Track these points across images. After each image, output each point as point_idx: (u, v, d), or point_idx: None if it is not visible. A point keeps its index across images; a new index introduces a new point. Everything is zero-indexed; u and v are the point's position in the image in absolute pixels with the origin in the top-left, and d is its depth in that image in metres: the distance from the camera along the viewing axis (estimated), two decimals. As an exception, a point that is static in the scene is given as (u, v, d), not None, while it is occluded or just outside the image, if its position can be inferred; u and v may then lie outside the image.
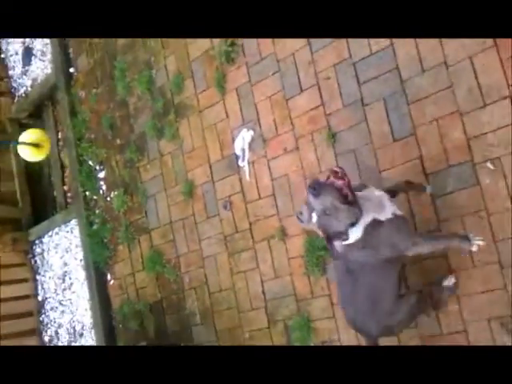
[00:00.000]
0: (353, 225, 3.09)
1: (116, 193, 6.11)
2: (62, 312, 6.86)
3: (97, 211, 6.35)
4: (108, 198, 6.24)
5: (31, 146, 5.97)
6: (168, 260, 5.54)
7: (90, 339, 6.47)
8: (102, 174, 6.33)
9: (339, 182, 3.02)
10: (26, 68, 7.52)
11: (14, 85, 7.69)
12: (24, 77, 7.56)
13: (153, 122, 5.65)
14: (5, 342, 6.44)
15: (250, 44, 4.84)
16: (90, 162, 6.44)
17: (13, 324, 6.78)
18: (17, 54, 7.72)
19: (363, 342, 3.77)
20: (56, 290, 6.94)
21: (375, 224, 3.17)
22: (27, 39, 7.50)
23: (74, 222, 6.72)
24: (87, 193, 6.46)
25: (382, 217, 3.20)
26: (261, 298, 4.78)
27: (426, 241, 3.40)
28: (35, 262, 7.25)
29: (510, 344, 3.49)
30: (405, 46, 3.92)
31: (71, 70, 6.78)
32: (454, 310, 3.71)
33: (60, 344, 6.87)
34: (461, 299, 3.68)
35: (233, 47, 4.95)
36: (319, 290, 4.41)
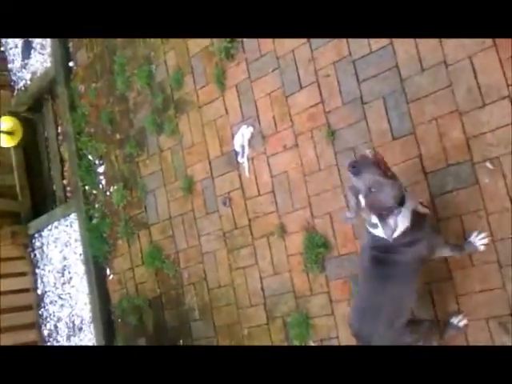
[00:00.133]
0: (401, 204, 3.07)
1: (115, 187, 6.11)
2: (62, 306, 6.87)
3: (96, 205, 6.36)
4: (107, 193, 6.24)
5: (5, 133, 6.44)
6: (167, 255, 5.55)
7: (88, 333, 6.49)
8: (101, 169, 6.33)
9: (375, 157, 3.06)
10: (26, 61, 7.51)
11: (14, 78, 7.68)
12: (23, 70, 7.55)
13: (152, 118, 5.65)
14: (4, 336, 6.45)
15: (249, 41, 4.83)
16: (90, 157, 6.44)
17: (12, 317, 6.77)
18: (16, 47, 7.70)
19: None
20: (55, 283, 6.95)
21: (417, 215, 3.19)
22: (27, 32, 7.47)
23: (73, 216, 6.72)
24: (87, 187, 6.46)
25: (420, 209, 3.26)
26: (260, 295, 4.78)
27: (448, 243, 3.46)
28: (34, 255, 7.26)
29: (508, 343, 3.50)
30: (404, 45, 3.91)
31: (71, 63, 6.77)
32: (453, 310, 3.71)
33: (59, 338, 6.89)
34: (459, 299, 3.69)
35: (232, 44, 4.94)
36: (318, 287, 4.42)
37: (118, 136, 6.11)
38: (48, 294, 7.05)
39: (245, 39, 4.85)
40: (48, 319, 7.06)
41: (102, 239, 6.22)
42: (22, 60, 7.54)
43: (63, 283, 6.85)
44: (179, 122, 5.42)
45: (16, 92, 7.62)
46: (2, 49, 7.86)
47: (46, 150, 7.45)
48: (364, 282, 3.48)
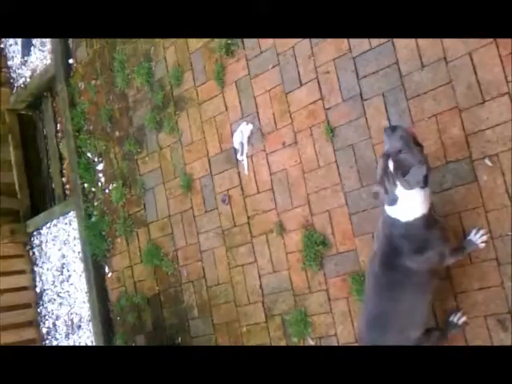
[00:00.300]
0: (425, 184, 3.07)
1: (114, 185, 6.10)
2: (60, 304, 6.86)
3: (95, 203, 6.35)
4: (106, 191, 6.23)
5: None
6: (166, 253, 5.54)
7: (87, 331, 6.48)
8: (100, 166, 6.32)
9: (410, 129, 3.25)
10: (25, 58, 7.50)
11: (13, 75, 7.66)
12: (23, 67, 7.53)
13: (152, 115, 5.64)
14: (3, 334, 6.45)
15: (249, 37, 4.84)
16: (89, 154, 6.43)
17: (11, 315, 6.77)
18: (16, 44, 7.69)
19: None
20: (54, 281, 6.94)
21: (432, 217, 3.20)
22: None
23: (72, 213, 6.71)
24: (85, 185, 6.44)
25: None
26: (258, 293, 4.77)
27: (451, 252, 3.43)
28: (33, 253, 7.25)
29: (506, 340, 3.49)
30: (404, 42, 3.90)
31: (70, 61, 6.75)
32: (451, 307, 3.70)
33: (58, 335, 6.88)
34: (457, 296, 3.68)
35: (232, 40, 4.93)
36: (317, 285, 4.40)
37: (117, 133, 6.10)
38: (47, 292, 7.04)
39: (245, 36, 4.86)
40: (47, 317, 7.04)
41: (100, 237, 6.21)
42: (22, 57, 7.53)
43: (62, 281, 6.84)
44: (179, 119, 5.41)
45: (15, 89, 7.60)
46: (2, 46, 7.85)
47: (45, 148, 7.45)
48: (373, 290, 3.42)
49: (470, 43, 3.59)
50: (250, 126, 4.81)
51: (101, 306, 6.20)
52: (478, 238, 3.52)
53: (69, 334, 6.74)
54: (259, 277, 4.77)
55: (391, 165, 3.07)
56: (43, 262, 7.09)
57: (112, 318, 6.19)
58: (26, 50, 7.46)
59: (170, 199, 5.49)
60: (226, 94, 5.04)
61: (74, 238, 6.66)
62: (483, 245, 3.52)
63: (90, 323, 6.40)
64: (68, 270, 6.76)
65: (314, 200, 4.42)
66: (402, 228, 3.16)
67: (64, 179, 7.11)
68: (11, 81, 7.67)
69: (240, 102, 4.92)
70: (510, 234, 3.45)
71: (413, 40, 3.86)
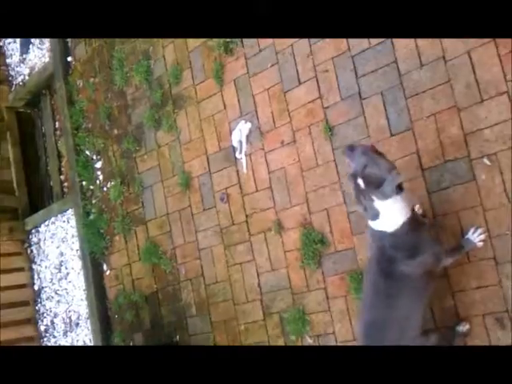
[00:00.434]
0: (399, 190, 3.08)
1: (113, 183, 6.10)
2: (58, 302, 6.86)
3: (93, 201, 6.35)
4: (105, 189, 6.23)
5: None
6: (164, 251, 5.54)
7: (85, 329, 6.48)
8: (98, 164, 6.32)
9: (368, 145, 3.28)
10: (24, 56, 7.49)
11: (12, 73, 7.66)
12: (22, 65, 7.53)
13: (150, 113, 5.64)
14: (1, 331, 6.45)
15: (248, 35, 4.83)
16: (87, 152, 6.43)
17: (9, 313, 6.77)
18: (15, 41, 7.68)
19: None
20: (52, 279, 6.94)
21: (416, 219, 3.21)
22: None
23: (70, 211, 6.71)
24: (84, 183, 6.45)
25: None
26: (256, 291, 4.78)
27: (447, 252, 3.45)
28: (31, 251, 7.25)
29: (504, 339, 3.50)
30: (403, 41, 3.90)
31: (69, 58, 6.75)
32: (449, 306, 3.71)
33: (56, 333, 6.89)
34: (456, 295, 3.68)
35: (231, 38, 4.93)
36: (315, 283, 4.41)
37: (115, 131, 6.11)
38: (45, 289, 7.04)
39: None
40: (45, 315, 7.05)
41: (98, 235, 6.21)
42: (21, 55, 7.53)
43: (60, 279, 6.84)
44: (177, 117, 5.41)
45: (14, 87, 7.60)
46: (0, 44, 7.84)
47: (43, 146, 7.45)
48: (371, 296, 3.41)
49: (468, 42, 3.59)
50: (249, 125, 4.81)
51: (99, 304, 6.20)
52: (475, 236, 3.53)
53: (67, 331, 6.74)
54: (257, 275, 4.77)
55: (361, 182, 3.09)
56: (41, 260, 7.10)
57: (110, 316, 6.20)
58: (25, 48, 7.46)
59: (169, 197, 5.49)
60: (224, 93, 5.04)
61: (72, 236, 6.66)
62: (481, 243, 3.53)
63: (88, 321, 6.40)
64: (66, 268, 6.76)
65: (312, 198, 4.42)
66: (391, 238, 3.18)
67: (62, 177, 7.12)
68: (10, 78, 7.67)
69: (239, 101, 4.92)
70: (508, 232, 3.46)
71: (412, 39, 3.86)
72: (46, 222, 7.06)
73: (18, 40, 7.59)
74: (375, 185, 3.06)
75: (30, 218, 7.22)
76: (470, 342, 3.64)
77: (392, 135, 3.97)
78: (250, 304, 4.83)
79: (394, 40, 3.96)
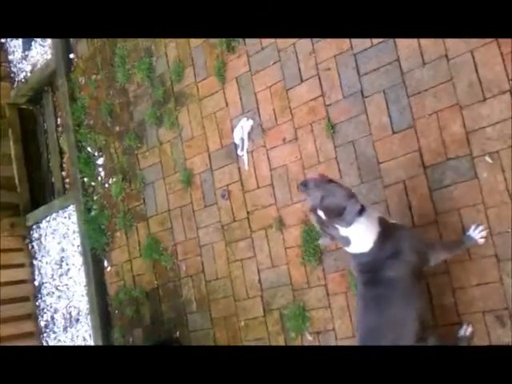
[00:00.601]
0: (361, 212, 3.09)
1: (114, 179, 6.11)
2: (59, 297, 6.87)
3: (95, 197, 6.36)
4: (106, 185, 6.24)
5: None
6: (165, 247, 5.55)
7: (85, 325, 6.49)
8: (100, 161, 6.33)
9: (318, 175, 3.27)
10: (26, 53, 7.51)
11: (14, 69, 7.67)
12: (24, 62, 7.55)
13: (152, 110, 5.65)
14: (2, 326, 6.47)
15: (250, 33, 4.84)
16: (89, 149, 6.44)
17: (9, 308, 6.78)
18: (17, 38, 7.69)
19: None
20: (53, 275, 6.95)
21: (386, 224, 3.23)
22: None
23: (71, 207, 6.73)
24: (85, 179, 6.45)
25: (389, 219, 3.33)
26: (257, 287, 4.79)
27: (442, 246, 3.49)
28: (32, 247, 7.26)
29: (504, 337, 3.51)
30: (406, 39, 3.92)
31: (71, 55, 6.76)
32: (450, 303, 3.72)
33: (56, 329, 6.90)
34: (456, 292, 3.70)
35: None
36: (315, 280, 4.42)
37: (117, 128, 6.12)
38: (45, 285, 7.05)
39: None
40: (45, 310, 7.06)
41: (100, 231, 6.22)
42: (23, 51, 7.55)
43: (61, 275, 6.85)
44: (179, 114, 5.43)
45: (16, 83, 7.62)
46: (3, 40, 7.85)
47: (45, 142, 7.46)
48: (361, 308, 3.40)
49: (471, 41, 3.61)
50: (251, 122, 4.82)
51: (99, 300, 6.21)
52: (477, 233, 3.55)
53: (67, 327, 6.75)
54: (258, 271, 4.79)
55: (322, 214, 3.12)
56: (42, 256, 7.11)
57: (110, 312, 6.21)
58: (27, 45, 7.48)
59: (170, 194, 5.51)
60: (226, 90, 5.05)
61: (74, 232, 6.67)
62: (482, 240, 3.55)
63: (89, 317, 6.41)
64: (67, 264, 6.77)
65: (313, 196, 4.43)
66: (370, 255, 3.19)
67: (64, 173, 7.13)
68: (12, 75, 7.68)
69: (240, 98, 4.94)
70: (509, 230, 3.47)
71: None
72: (48, 218, 7.07)
73: (20, 37, 7.61)
74: (336, 214, 3.09)
75: (32, 214, 7.23)
76: (470, 339, 3.66)
77: (394, 133, 3.99)
78: (251, 300, 4.84)
79: (397, 39, 3.97)
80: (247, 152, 4.86)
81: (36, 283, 7.17)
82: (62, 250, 6.83)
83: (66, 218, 6.84)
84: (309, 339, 4.45)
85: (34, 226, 7.25)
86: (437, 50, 3.78)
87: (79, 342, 6.56)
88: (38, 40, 7.36)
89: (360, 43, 4.17)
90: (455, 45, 3.69)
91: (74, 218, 6.64)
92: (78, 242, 6.57)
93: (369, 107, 4.13)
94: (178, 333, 5.42)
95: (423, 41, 3.84)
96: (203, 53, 5.22)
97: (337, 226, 3.12)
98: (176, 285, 5.45)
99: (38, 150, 7.50)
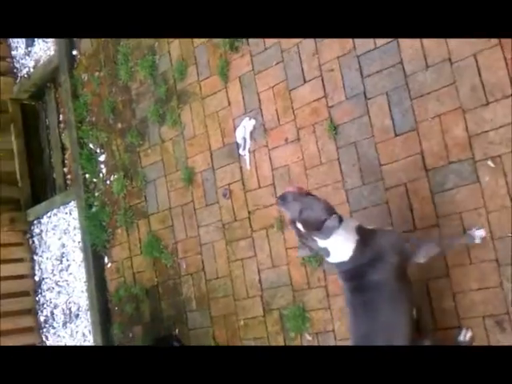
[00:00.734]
0: (338, 224, 3.13)
1: (116, 176, 6.12)
2: (59, 293, 6.89)
3: (96, 194, 6.37)
4: (108, 182, 6.25)
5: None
6: (166, 245, 5.56)
7: (85, 321, 6.50)
8: (102, 158, 6.34)
9: (295, 188, 3.33)
10: (29, 49, 7.51)
11: (17, 65, 7.68)
12: (27, 57, 7.55)
13: (155, 108, 5.65)
14: (1, 321, 6.49)
15: (254, 33, 4.84)
16: (91, 145, 6.45)
17: (9, 303, 6.80)
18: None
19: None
20: (53, 270, 6.97)
21: (364, 230, 3.27)
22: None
23: (72, 203, 6.73)
24: (87, 175, 6.46)
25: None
26: (257, 287, 4.80)
27: (426, 241, 3.50)
28: (33, 242, 7.28)
29: (504, 342, 3.51)
30: (409, 41, 3.91)
31: (74, 52, 6.76)
32: (449, 307, 3.73)
33: (55, 324, 6.92)
34: (456, 296, 3.70)
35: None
36: (315, 281, 4.43)
37: (119, 125, 6.12)
38: (45, 280, 7.07)
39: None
40: (45, 305, 7.07)
41: (100, 227, 6.23)
42: (26, 47, 7.55)
43: (61, 270, 6.86)
44: (181, 113, 5.43)
45: (19, 79, 7.62)
46: (6, 35, 7.85)
47: (47, 138, 7.48)
48: (352, 315, 3.40)
49: (475, 45, 3.60)
50: (253, 122, 4.83)
51: (99, 296, 6.23)
52: (477, 233, 3.56)
53: (66, 322, 6.77)
54: (258, 271, 4.79)
55: (301, 227, 3.17)
56: (43, 251, 7.12)
57: (110, 308, 6.22)
58: (30, 41, 7.48)
59: (171, 192, 5.51)
60: (229, 89, 5.05)
61: (74, 228, 6.68)
62: (479, 240, 3.55)
63: (88, 312, 6.43)
64: (67, 260, 6.78)
65: (314, 196, 4.43)
66: (351, 263, 3.22)
67: (65, 169, 7.15)
68: (15, 71, 7.69)
69: (243, 98, 4.94)
70: (510, 235, 3.47)
71: (418, 40, 3.87)
72: (49, 214, 7.08)
73: (23, 33, 7.59)
74: (314, 227, 3.14)
75: (33, 209, 7.25)
76: (469, 343, 3.66)
77: (396, 135, 3.98)
78: (251, 300, 4.85)
79: (400, 41, 3.97)
80: (249, 151, 4.86)
81: (36, 278, 7.19)
82: (63, 245, 6.85)
83: (67, 213, 6.85)
84: (308, 339, 4.46)
85: (35, 222, 7.26)
86: (440, 53, 3.77)
87: (78, 338, 6.58)
88: (41, 36, 7.37)
89: (363, 45, 4.17)
90: (458, 48, 3.69)
91: (75, 214, 6.65)
92: (78, 237, 6.58)
93: (371, 109, 4.13)
94: (177, 330, 5.43)
95: (426, 43, 3.84)
96: (206, 52, 5.22)
97: (315, 238, 3.18)
98: (176, 283, 5.46)
99: (40, 145, 7.51)
